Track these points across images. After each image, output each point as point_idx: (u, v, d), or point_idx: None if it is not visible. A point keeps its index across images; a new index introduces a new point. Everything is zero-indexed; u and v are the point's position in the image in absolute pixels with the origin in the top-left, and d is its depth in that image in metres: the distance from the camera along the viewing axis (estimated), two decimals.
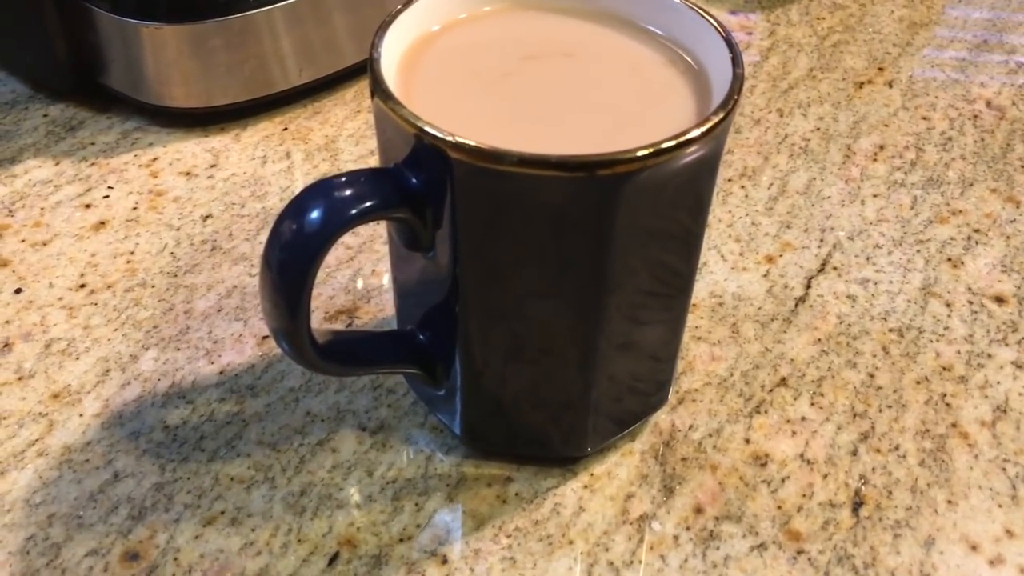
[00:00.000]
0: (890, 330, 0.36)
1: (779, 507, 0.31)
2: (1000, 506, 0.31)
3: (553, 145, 0.24)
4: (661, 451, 0.32)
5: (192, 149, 0.44)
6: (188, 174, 0.42)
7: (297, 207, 0.25)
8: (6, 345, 0.35)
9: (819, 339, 0.36)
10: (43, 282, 0.37)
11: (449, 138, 0.24)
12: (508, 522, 0.30)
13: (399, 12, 0.28)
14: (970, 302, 0.38)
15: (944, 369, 0.35)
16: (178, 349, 0.35)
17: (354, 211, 0.25)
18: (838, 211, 0.41)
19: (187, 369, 0.34)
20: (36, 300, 0.37)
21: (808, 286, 0.38)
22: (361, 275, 0.38)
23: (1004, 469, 0.32)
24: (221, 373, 0.34)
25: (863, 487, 0.31)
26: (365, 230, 0.40)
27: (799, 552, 0.30)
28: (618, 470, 0.32)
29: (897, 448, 0.32)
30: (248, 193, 0.41)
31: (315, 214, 0.25)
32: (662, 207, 0.26)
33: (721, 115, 0.25)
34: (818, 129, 0.46)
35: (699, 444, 0.32)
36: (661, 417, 0.33)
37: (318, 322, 0.36)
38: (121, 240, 0.39)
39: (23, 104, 0.46)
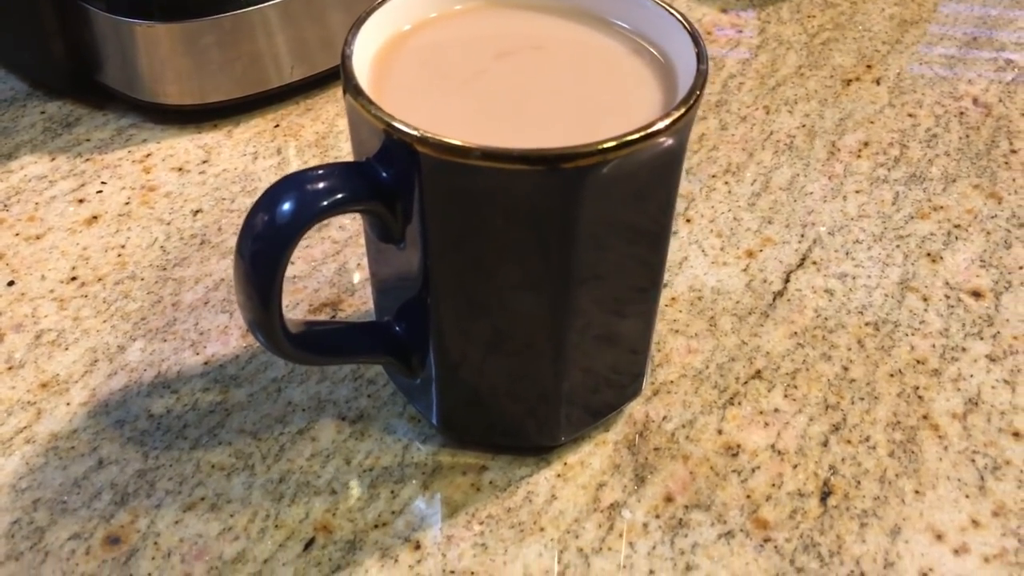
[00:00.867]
0: (866, 324, 0.37)
1: (748, 496, 0.31)
2: (967, 496, 0.31)
3: (522, 139, 0.25)
4: (634, 441, 0.33)
5: (185, 145, 0.44)
6: (180, 170, 0.43)
7: (269, 199, 0.26)
8: None
9: (795, 332, 0.36)
10: (35, 275, 0.38)
11: (415, 133, 0.25)
12: (481, 509, 0.31)
13: (372, 11, 0.29)
14: (947, 296, 0.38)
15: (918, 362, 0.35)
16: (164, 340, 0.36)
17: (325, 203, 0.26)
18: (820, 207, 0.42)
19: (173, 360, 0.35)
20: (28, 292, 0.37)
21: (787, 280, 0.38)
22: (346, 269, 0.39)
23: (973, 460, 0.32)
24: (206, 363, 0.35)
25: (832, 477, 0.32)
26: (352, 224, 0.40)
27: (766, 540, 0.30)
28: (591, 459, 0.32)
29: (867, 439, 0.33)
30: (238, 188, 0.42)
31: (287, 206, 0.26)
32: (626, 199, 0.27)
33: (683, 109, 0.26)
34: (804, 126, 0.46)
35: (672, 435, 0.33)
36: (636, 408, 0.34)
37: (303, 314, 0.37)
38: (113, 234, 0.40)
39: (21, 101, 0.47)
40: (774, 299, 0.38)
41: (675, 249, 0.40)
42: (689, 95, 0.26)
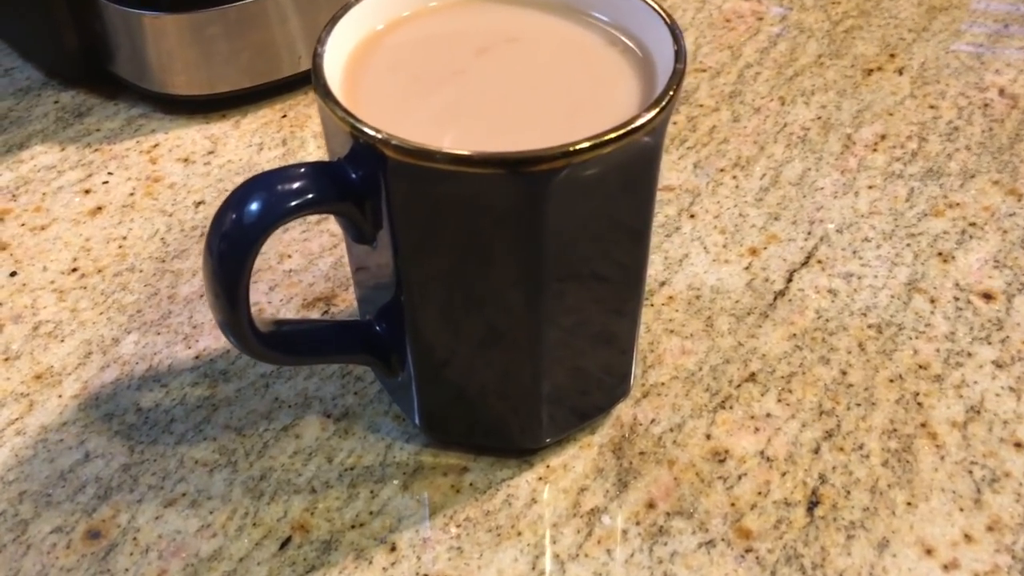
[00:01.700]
0: (869, 326, 0.36)
1: (732, 504, 0.31)
2: (961, 510, 0.30)
3: (495, 140, 0.25)
4: (620, 445, 0.32)
5: (192, 136, 0.45)
6: (186, 160, 0.43)
7: (238, 199, 0.26)
8: None
9: (794, 334, 0.35)
10: (37, 265, 0.39)
11: (380, 135, 0.24)
12: (460, 512, 0.31)
13: (345, 11, 0.28)
14: (956, 298, 0.37)
15: (920, 367, 0.34)
16: (158, 333, 0.36)
17: (292, 203, 0.26)
18: (830, 203, 0.41)
19: (165, 353, 0.35)
20: (29, 283, 0.38)
21: (789, 280, 0.38)
22: (342, 263, 0.38)
23: (971, 472, 0.31)
24: (197, 358, 0.35)
25: (821, 486, 0.31)
26: None
27: (748, 550, 0.29)
28: (575, 463, 0.32)
29: (861, 447, 0.32)
30: (242, 180, 0.42)
31: (254, 206, 0.26)
32: (596, 201, 0.26)
33: (655, 111, 0.25)
34: (819, 118, 0.45)
35: (659, 439, 0.32)
36: (624, 410, 0.33)
37: (296, 308, 0.37)
38: (115, 225, 0.40)
39: (36, 91, 0.47)
40: (775, 299, 0.37)
41: (677, 246, 0.39)
42: (662, 96, 0.25)
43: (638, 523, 0.30)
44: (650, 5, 0.28)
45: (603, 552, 0.29)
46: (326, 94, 0.26)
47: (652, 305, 0.37)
